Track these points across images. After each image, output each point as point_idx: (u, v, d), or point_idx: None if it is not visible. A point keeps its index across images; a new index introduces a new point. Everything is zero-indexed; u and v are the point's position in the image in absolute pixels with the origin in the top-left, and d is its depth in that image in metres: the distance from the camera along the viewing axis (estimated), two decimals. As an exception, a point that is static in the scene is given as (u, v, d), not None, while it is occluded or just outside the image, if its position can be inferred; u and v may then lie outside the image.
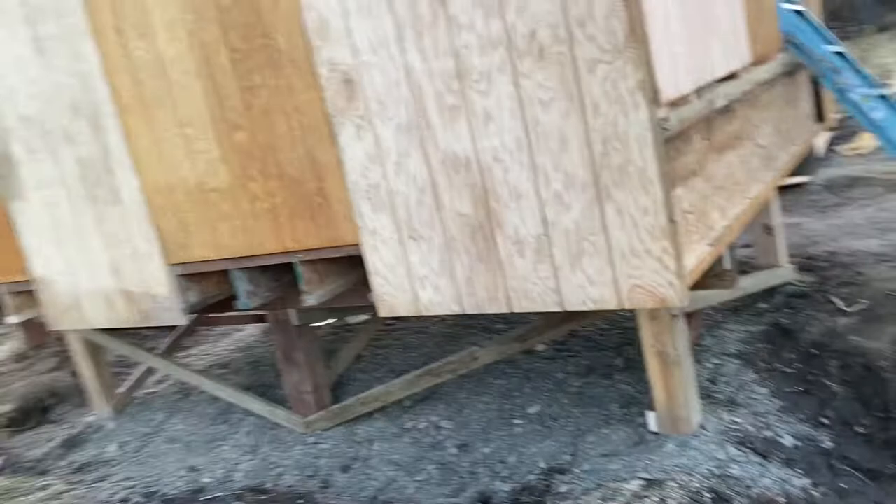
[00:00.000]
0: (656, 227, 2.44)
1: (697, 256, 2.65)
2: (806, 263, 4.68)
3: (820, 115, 4.59)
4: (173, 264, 3.72)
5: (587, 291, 2.65)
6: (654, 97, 2.36)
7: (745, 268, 4.81)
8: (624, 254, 2.53)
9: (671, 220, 2.42)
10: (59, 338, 6.40)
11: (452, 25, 2.60)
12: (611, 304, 2.62)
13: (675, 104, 2.54)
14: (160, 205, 3.64)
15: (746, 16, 3.23)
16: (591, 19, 2.34)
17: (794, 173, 6.15)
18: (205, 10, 3.16)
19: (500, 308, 2.85)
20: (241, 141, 3.29)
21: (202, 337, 6.63)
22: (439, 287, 2.96)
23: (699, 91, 2.75)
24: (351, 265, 3.45)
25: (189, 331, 6.14)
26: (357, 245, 3.11)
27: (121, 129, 3.61)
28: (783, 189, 6.27)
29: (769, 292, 4.37)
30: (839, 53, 3.93)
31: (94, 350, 5.11)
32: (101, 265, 3.98)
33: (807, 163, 6.21)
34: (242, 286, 3.58)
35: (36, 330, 6.62)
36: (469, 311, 2.94)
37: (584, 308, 2.68)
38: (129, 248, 3.83)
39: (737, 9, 3.13)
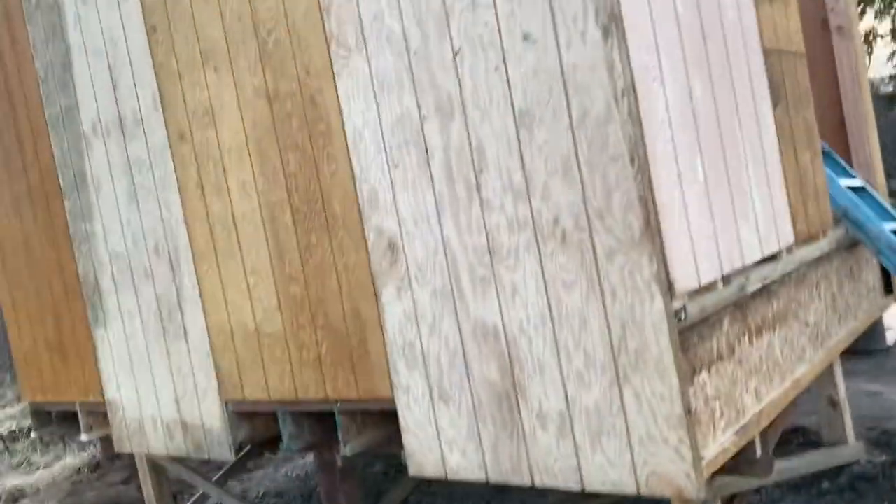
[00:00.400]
0: (672, 415, 2.42)
1: (721, 446, 2.59)
2: (880, 439, 4.41)
3: (889, 287, 4.44)
4: (227, 401, 3.92)
5: (607, 473, 2.62)
6: (669, 288, 2.41)
7: (811, 439, 4.57)
8: (642, 439, 2.51)
9: (688, 411, 2.40)
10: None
11: (485, 206, 2.77)
12: (629, 489, 2.57)
13: (696, 293, 2.58)
14: (221, 344, 3.88)
15: (788, 196, 3.25)
16: (609, 212, 2.45)
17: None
18: (273, 175, 3.48)
19: (522, 481, 2.84)
20: (295, 293, 3.51)
21: (266, 460, 6.76)
22: (466, 452, 2.99)
23: (728, 277, 2.77)
24: (387, 418, 3.52)
25: (252, 453, 6.30)
26: (392, 400, 3.21)
27: (194, 273, 3.93)
28: (866, 353, 5.98)
29: (836, 469, 4.12)
30: (900, 230, 3.85)
31: (157, 469, 5.32)
32: (165, 395, 4.23)
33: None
34: (287, 429, 3.71)
35: (111, 441, 6.96)
36: (493, 480, 2.94)
37: (604, 490, 2.64)
38: (191, 381, 4.06)
39: (776, 190, 3.17)
